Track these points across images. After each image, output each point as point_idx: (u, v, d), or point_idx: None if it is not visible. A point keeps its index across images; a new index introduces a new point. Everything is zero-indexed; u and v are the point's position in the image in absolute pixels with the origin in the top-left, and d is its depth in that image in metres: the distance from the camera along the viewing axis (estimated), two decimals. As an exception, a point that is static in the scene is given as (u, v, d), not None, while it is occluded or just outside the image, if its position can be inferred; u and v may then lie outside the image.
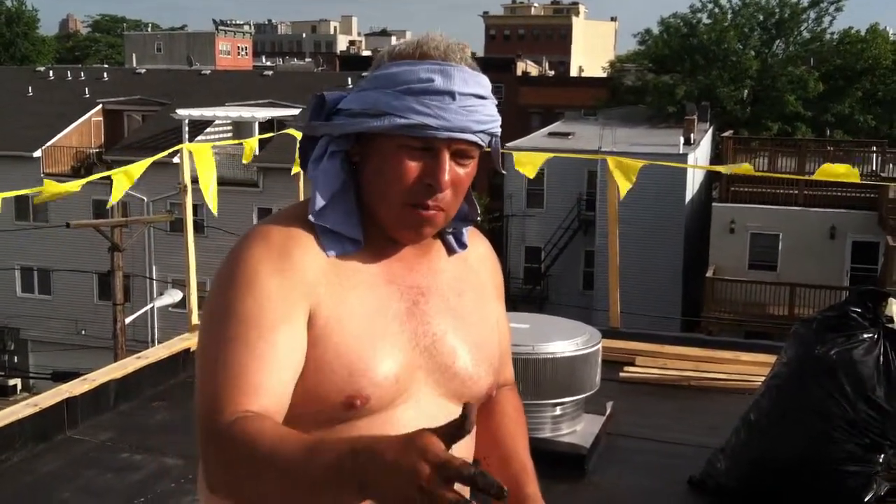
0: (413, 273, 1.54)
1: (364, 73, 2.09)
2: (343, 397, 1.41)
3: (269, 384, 1.35)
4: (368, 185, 1.49)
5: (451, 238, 1.62)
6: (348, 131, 1.48)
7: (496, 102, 1.52)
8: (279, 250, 1.43)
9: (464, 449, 1.53)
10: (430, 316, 1.52)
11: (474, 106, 1.45)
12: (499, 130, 1.52)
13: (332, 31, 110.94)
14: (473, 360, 1.54)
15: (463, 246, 1.63)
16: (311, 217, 1.47)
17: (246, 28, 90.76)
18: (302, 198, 4.00)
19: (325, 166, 1.50)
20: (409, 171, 1.44)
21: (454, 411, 1.47)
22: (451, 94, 1.43)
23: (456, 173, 1.47)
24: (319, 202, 1.47)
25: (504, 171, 1.62)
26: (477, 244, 1.69)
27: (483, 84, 1.48)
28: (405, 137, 1.44)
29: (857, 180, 5.65)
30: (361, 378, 1.41)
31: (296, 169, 5.18)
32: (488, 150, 1.56)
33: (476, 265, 1.66)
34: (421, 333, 1.50)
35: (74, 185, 5.37)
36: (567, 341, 4.15)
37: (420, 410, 1.47)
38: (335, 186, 1.49)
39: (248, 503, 1.30)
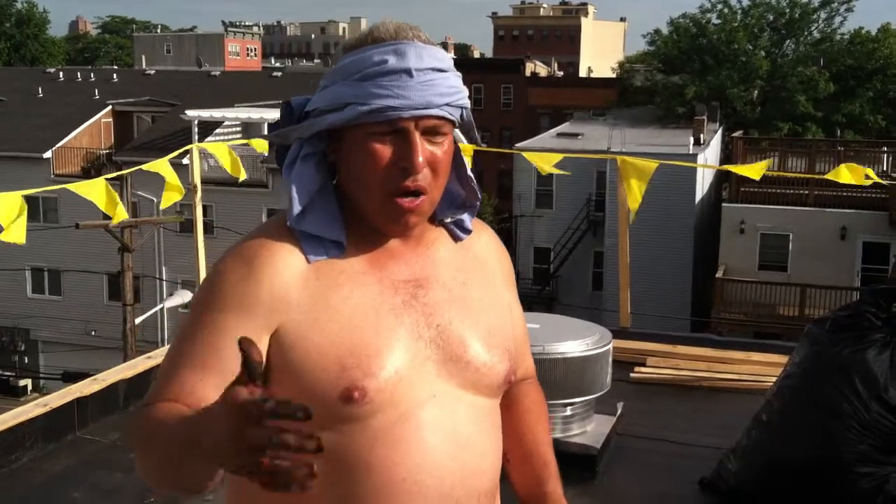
0: (408, 266, 1.52)
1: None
2: (339, 392, 1.40)
3: (198, 386, 1.38)
4: (347, 181, 1.48)
5: (452, 227, 1.60)
6: (315, 130, 1.46)
7: (459, 75, 1.48)
8: (247, 267, 1.44)
9: (492, 448, 1.54)
10: (433, 307, 1.50)
11: (434, 80, 1.43)
12: (467, 102, 1.50)
13: (340, 33, 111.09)
14: (486, 347, 1.52)
15: (466, 231, 1.61)
16: (289, 223, 1.47)
17: (255, 29, 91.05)
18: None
19: (299, 169, 1.48)
20: (382, 158, 1.43)
21: (474, 402, 1.50)
22: (408, 72, 1.41)
23: (430, 152, 1.45)
24: (296, 207, 1.46)
25: (482, 145, 1.59)
26: (480, 233, 1.66)
27: (439, 57, 1.45)
28: (371, 124, 1.42)
29: (873, 179, 5.57)
30: (355, 370, 1.40)
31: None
32: (461, 122, 1.52)
33: (481, 253, 1.63)
34: (423, 325, 1.48)
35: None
36: (578, 341, 4.13)
37: (438, 404, 1.46)
38: (312, 189, 1.47)
39: (162, 484, 1.35)
